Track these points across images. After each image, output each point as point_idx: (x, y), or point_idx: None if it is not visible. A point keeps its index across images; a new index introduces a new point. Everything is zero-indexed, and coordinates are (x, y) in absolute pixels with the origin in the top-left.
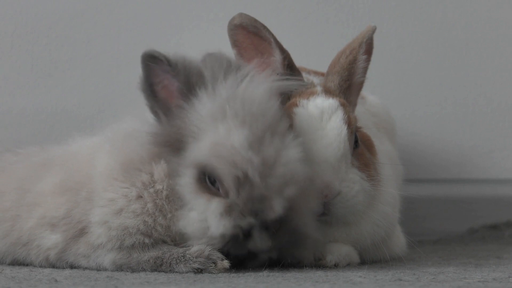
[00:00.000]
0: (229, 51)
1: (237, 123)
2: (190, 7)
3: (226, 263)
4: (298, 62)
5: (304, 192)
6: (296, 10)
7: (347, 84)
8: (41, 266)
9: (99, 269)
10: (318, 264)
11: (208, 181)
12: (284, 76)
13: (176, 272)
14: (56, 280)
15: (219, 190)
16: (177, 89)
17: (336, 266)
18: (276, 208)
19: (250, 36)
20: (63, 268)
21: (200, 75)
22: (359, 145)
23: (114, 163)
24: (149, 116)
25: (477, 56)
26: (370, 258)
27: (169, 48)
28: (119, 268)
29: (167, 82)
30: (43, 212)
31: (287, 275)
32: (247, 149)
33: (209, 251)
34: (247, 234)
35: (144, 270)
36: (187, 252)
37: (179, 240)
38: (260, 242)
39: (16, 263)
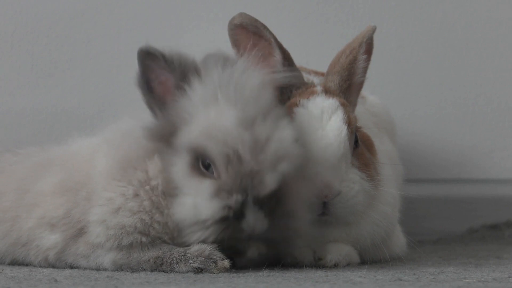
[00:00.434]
0: (229, 51)
1: (229, 105)
2: (190, 7)
3: (226, 263)
4: (298, 62)
5: (299, 174)
6: (296, 10)
7: (347, 84)
8: (40, 266)
9: (99, 269)
10: (318, 264)
11: (201, 165)
12: (280, 70)
13: (176, 271)
14: (56, 280)
15: (213, 174)
16: (173, 85)
17: (336, 266)
18: (268, 182)
19: (251, 35)
20: (63, 268)
21: (196, 70)
22: (359, 145)
23: (112, 162)
24: (146, 116)
25: (477, 56)
26: (370, 258)
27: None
28: (119, 268)
29: (164, 78)
30: (42, 212)
31: (287, 275)
32: (237, 127)
33: (210, 250)
34: (240, 215)
35: (144, 270)
36: (187, 251)
37: (177, 236)
38: (254, 220)
39: (16, 263)
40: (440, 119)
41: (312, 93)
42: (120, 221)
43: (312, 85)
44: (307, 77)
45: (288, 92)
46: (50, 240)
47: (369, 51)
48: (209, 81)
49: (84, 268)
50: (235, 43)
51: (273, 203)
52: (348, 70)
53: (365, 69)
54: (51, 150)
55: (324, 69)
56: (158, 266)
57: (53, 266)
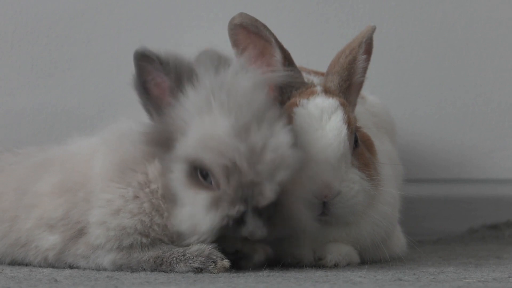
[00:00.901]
0: (229, 51)
1: (223, 113)
2: (190, 7)
3: (226, 263)
4: (298, 62)
5: (298, 177)
6: (296, 10)
7: (347, 84)
8: (40, 266)
9: (98, 269)
10: (318, 264)
11: (200, 175)
12: (280, 70)
13: (176, 271)
14: (56, 280)
15: (211, 184)
16: (169, 87)
17: (336, 266)
18: (267, 193)
19: (251, 35)
20: (63, 268)
21: (191, 72)
22: (359, 145)
23: (110, 164)
24: (143, 117)
25: (477, 56)
26: (370, 258)
27: (169, 48)
28: (119, 268)
29: (160, 80)
30: (41, 213)
31: (287, 275)
32: (233, 137)
33: (210, 250)
34: (239, 221)
35: (144, 270)
36: (187, 251)
37: (176, 239)
38: (254, 226)
39: (15, 263)
40: (440, 119)
41: (312, 93)
42: (120, 222)
43: (312, 85)
44: (307, 77)
45: (288, 92)
46: (49, 241)
47: (368, 51)
48: (202, 87)
49: (84, 268)
50: (235, 43)
51: (272, 210)
52: (347, 70)
53: (365, 69)
54: (51, 150)
55: (324, 69)
56: (158, 266)
57: (52, 266)
